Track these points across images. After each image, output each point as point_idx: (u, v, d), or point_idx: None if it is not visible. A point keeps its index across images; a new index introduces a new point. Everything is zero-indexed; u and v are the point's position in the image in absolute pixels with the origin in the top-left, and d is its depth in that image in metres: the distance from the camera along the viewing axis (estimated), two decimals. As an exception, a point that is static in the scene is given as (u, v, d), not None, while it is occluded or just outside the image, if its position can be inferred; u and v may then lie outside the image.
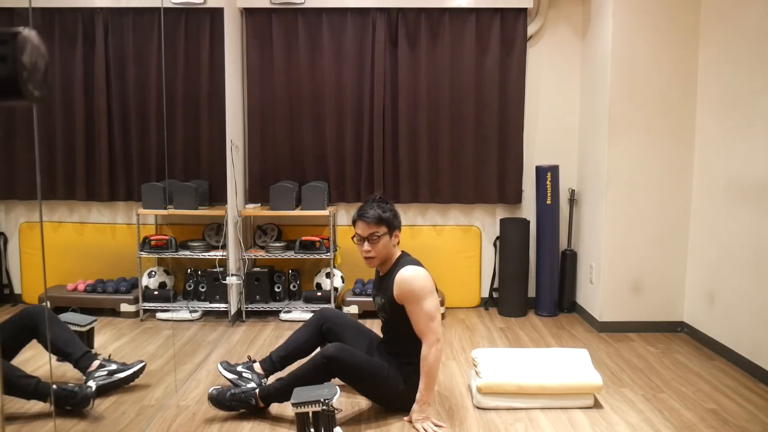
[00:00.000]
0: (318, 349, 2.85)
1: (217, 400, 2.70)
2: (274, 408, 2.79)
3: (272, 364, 2.94)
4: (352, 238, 2.77)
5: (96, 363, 2.81)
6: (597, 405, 2.85)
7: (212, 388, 2.73)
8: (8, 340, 2.61)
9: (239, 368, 2.95)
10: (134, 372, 2.85)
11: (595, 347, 3.67)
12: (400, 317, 2.66)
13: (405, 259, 2.73)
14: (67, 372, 2.87)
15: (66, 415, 2.59)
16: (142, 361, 2.91)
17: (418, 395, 2.63)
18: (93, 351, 2.89)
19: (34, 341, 2.72)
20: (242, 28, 4.37)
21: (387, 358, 2.75)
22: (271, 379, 2.87)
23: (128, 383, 2.85)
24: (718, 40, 3.61)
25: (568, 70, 4.45)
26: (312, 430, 2.34)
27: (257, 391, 2.71)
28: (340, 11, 4.30)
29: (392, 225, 2.71)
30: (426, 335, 2.60)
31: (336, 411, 2.40)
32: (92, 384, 2.73)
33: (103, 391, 2.79)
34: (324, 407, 2.30)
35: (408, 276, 2.61)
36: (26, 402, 2.54)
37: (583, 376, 2.82)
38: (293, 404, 2.33)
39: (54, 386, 2.59)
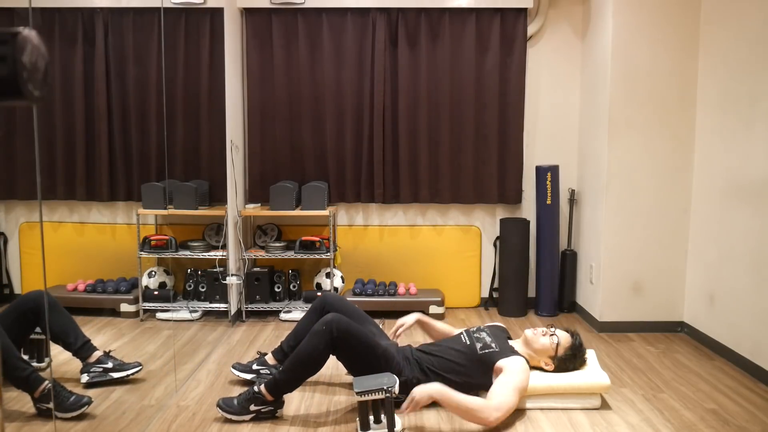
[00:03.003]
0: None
1: (228, 407, 2.65)
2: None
3: (284, 354, 2.95)
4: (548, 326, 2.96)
5: (96, 355, 2.82)
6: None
7: (219, 399, 2.69)
8: (11, 327, 2.57)
9: (255, 366, 2.96)
10: (128, 374, 2.85)
11: (595, 347, 3.66)
12: (477, 368, 2.76)
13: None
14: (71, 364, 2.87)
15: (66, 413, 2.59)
16: (140, 365, 2.90)
17: (444, 388, 2.54)
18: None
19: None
20: (242, 28, 4.37)
21: (405, 354, 2.81)
22: None
23: (120, 383, 2.85)
24: (717, 41, 3.61)
25: (568, 70, 4.45)
26: (372, 416, 2.48)
27: (263, 385, 2.65)
28: (340, 11, 4.30)
29: (559, 362, 2.85)
30: (495, 401, 2.54)
31: (398, 398, 2.50)
32: (89, 398, 2.64)
33: (93, 386, 2.81)
34: (387, 395, 2.41)
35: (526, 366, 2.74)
36: (28, 401, 2.53)
37: (591, 376, 2.83)
38: (357, 392, 2.42)
39: (50, 380, 2.56)
